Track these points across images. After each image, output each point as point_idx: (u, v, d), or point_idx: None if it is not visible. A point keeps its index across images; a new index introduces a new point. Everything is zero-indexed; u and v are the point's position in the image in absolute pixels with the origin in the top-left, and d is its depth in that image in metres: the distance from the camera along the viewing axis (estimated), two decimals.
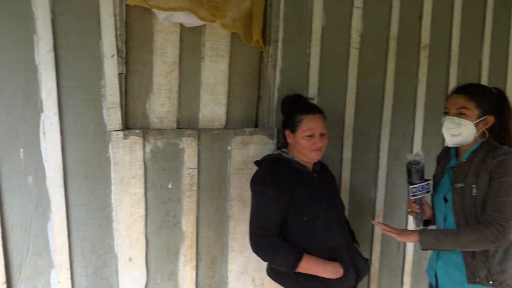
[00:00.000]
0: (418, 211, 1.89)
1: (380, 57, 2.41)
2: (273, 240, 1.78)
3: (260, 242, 1.79)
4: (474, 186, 1.72)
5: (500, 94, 1.80)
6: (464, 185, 1.75)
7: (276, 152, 2.02)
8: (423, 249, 1.76)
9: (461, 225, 1.77)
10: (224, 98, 2.12)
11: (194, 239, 2.08)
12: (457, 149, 1.90)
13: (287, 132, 1.98)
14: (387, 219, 2.54)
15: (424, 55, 2.51)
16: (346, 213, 2.37)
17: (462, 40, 2.62)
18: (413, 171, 1.83)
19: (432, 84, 2.55)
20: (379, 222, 1.77)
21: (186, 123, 2.08)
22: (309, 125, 1.90)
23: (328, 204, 1.92)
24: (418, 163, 1.83)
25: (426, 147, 2.57)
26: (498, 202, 1.65)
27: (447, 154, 1.98)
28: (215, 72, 2.08)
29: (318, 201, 1.89)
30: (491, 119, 1.76)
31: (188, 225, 2.05)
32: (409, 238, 1.75)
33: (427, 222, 1.99)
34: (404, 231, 1.78)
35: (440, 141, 2.55)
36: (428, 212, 1.96)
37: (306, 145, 1.89)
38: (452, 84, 2.59)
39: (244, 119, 2.21)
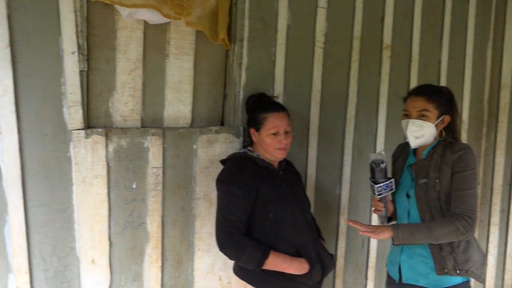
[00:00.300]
0: (383, 209, 1.94)
1: (344, 56, 2.46)
2: (239, 238, 1.78)
3: (226, 241, 1.78)
4: (437, 180, 1.80)
5: (450, 94, 1.90)
6: (427, 180, 1.82)
7: (241, 151, 2.02)
8: (396, 245, 1.79)
9: (426, 219, 1.83)
10: (190, 96, 2.10)
11: (160, 239, 2.05)
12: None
13: (252, 131, 1.99)
14: (352, 215, 2.59)
15: (386, 55, 2.58)
16: (312, 210, 2.41)
17: (423, 40, 2.70)
18: (377, 170, 1.87)
19: (394, 83, 2.62)
20: (354, 222, 1.80)
21: (151, 122, 2.05)
22: (274, 123, 1.91)
23: (294, 201, 1.94)
24: (381, 162, 1.87)
25: (389, 144, 2.64)
26: (463, 195, 1.74)
27: (402, 152, 2.06)
28: (180, 70, 2.06)
29: (284, 198, 1.91)
30: (447, 118, 1.85)
31: (153, 225, 2.03)
32: (384, 235, 1.78)
33: (388, 219, 2.05)
34: (378, 228, 1.80)
35: (402, 139, 2.61)
36: (390, 209, 2.02)
37: (271, 143, 1.91)
38: (413, 83, 2.67)
39: (210, 118, 2.20)
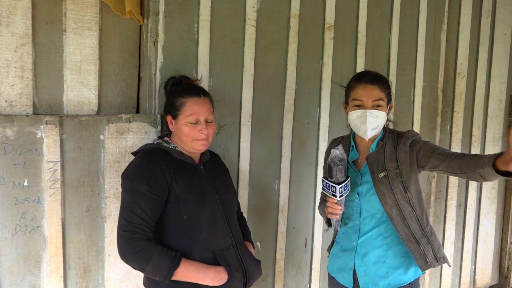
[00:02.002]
0: (340, 212, 1.74)
1: (281, 36, 2.20)
2: (144, 244, 1.50)
3: (128, 248, 1.50)
4: (397, 170, 1.70)
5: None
6: (386, 174, 1.71)
7: (155, 141, 1.74)
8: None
9: (393, 214, 1.71)
10: (95, 79, 1.81)
11: (60, 245, 1.76)
12: (354, 141, 1.85)
13: (169, 118, 1.72)
14: (293, 213, 2.35)
15: (329, 36, 2.34)
16: (246, 209, 2.16)
17: (370, 21, 2.48)
18: (337, 170, 1.66)
19: (339, 68, 2.39)
20: None
21: (46, 108, 1.75)
22: (193, 109, 1.65)
23: (214, 200, 1.68)
24: (342, 160, 1.66)
25: (333, 135, 2.40)
26: (443, 150, 1.65)
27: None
28: (81, 48, 1.77)
29: (201, 197, 1.65)
30: (391, 106, 1.80)
31: (51, 229, 1.74)
32: None
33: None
34: None
35: (347, 130, 2.39)
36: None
37: (190, 133, 1.64)
38: (360, 68, 2.44)
39: (121, 104, 1.91)
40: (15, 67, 1.65)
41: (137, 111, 1.95)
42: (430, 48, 2.74)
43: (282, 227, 2.32)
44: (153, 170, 1.57)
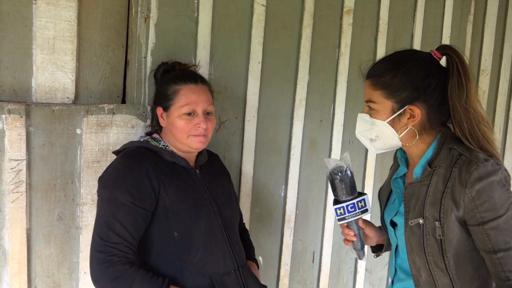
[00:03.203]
0: (354, 238, 1.34)
1: (293, 19, 1.90)
2: (122, 269, 1.20)
3: (102, 273, 1.20)
4: (437, 223, 1.13)
5: (426, 62, 1.16)
6: (422, 221, 1.16)
7: (142, 139, 1.43)
8: None
9: (421, 282, 1.21)
10: (72, 60, 1.49)
11: (24, 261, 1.45)
12: (401, 151, 1.33)
13: (159, 111, 1.43)
14: (300, 223, 2.06)
15: (347, 22, 2.04)
16: (248, 218, 1.86)
17: (392, 7, 2.18)
18: (337, 184, 1.28)
19: (356, 59, 2.09)
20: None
21: (10, 94, 1.43)
22: (189, 98, 1.35)
23: (211, 212, 1.38)
24: (342, 171, 1.27)
25: (349, 136, 2.12)
26: (507, 256, 1.06)
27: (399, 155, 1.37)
28: (55, 22, 1.44)
29: (197, 208, 1.35)
30: (417, 110, 1.15)
31: (13, 241, 1.42)
32: None
33: (379, 247, 1.46)
34: None
35: None
36: (373, 235, 1.40)
37: (184, 127, 1.35)
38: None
39: (104, 92, 1.59)
40: None
41: (123, 101, 1.63)
42: (455, 40, 2.46)
43: (288, 239, 2.03)
44: (136, 175, 1.27)
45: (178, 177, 1.36)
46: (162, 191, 1.29)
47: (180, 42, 1.63)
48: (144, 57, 1.58)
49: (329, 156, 2.10)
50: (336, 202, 1.29)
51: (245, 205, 1.87)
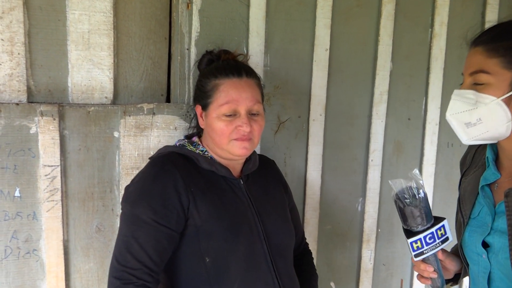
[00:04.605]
0: (434, 275, 1.07)
1: None
2: None
3: None
4: None
5: None
6: None
7: (178, 143, 1.23)
8: None
9: None
10: (109, 55, 1.35)
11: (62, 275, 1.35)
12: (494, 149, 1.06)
13: (198, 109, 1.21)
14: (383, 244, 1.70)
15: None
16: (315, 236, 1.57)
17: None
18: (408, 211, 1.01)
19: (456, 40, 1.66)
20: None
21: (46, 95, 1.33)
22: (229, 95, 1.12)
23: (255, 234, 1.13)
24: (414, 194, 1.01)
25: (446, 137, 1.71)
26: None
27: (477, 158, 1.14)
28: (89, 14, 1.31)
29: (236, 228, 1.10)
30: None
31: (50, 253, 1.33)
32: None
33: (455, 276, 1.18)
34: None
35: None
36: (452, 267, 1.14)
37: (224, 131, 1.12)
38: None
39: (146, 90, 1.43)
40: (2, 40, 1.24)
41: (168, 100, 1.45)
42: None
43: (367, 264, 1.68)
44: (162, 188, 1.06)
45: (215, 189, 1.13)
46: (191, 206, 1.07)
47: (228, 29, 1.40)
48: (187, 49, 1.38)
49: (421, 162, 1.70)
50: (409, 233, 1.01)
51: (311, 221, 1.57)
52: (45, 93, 1.32)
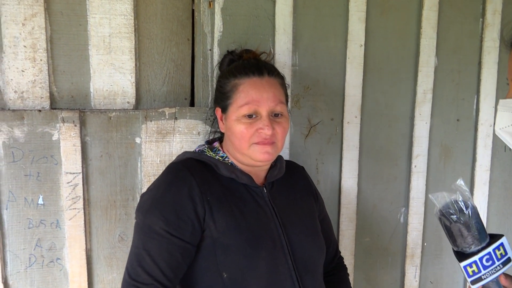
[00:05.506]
0: None
1: None
2: None
3: None
4: None
5: None
6: None
7: (198, 149, 1.16)
8: None
9: None
10: (131, 59, 1.31)
11: (85, 285, 1.32)
12: None
13: (218, 112, 1.13)
14: (430, 260, 1.53)
15: None
16: (352, 249, 1.44)
17: None
18: (456, 229, 0.87)
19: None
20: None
21: (69, 101, 1.31)
22: (248, 95, 1.04)
23: (279, 247, 1.03)
24: (461, 209, 0.87)
25: (501, 141, 1.50)
26: None
27: None
28: (110, 17, 1.28)
29: (257, 241, 1.01)
30: None
31: (73, 263, 1.30)
32: None
33: None
34: None
35: None
36: None
37: (244, 134, 1.04)
38: None
39: (169, 94, 1.38)
40: (25, 46, 1.23)
41: (192, 104, 1.39)
42: None
43: (412, 281, 1.52)
44: (176, 197, 0.99)
45: (234, 198, 1.04)
46: (208, 217, 0.99)
47: (253, 27, 1.32)
48: (210, 50, 1.31)
49: (472, 169, 1.52)
50: (460, 256, 0.86)
51: (347, 233, 1.44)
52: (68, 99, 1.30)
